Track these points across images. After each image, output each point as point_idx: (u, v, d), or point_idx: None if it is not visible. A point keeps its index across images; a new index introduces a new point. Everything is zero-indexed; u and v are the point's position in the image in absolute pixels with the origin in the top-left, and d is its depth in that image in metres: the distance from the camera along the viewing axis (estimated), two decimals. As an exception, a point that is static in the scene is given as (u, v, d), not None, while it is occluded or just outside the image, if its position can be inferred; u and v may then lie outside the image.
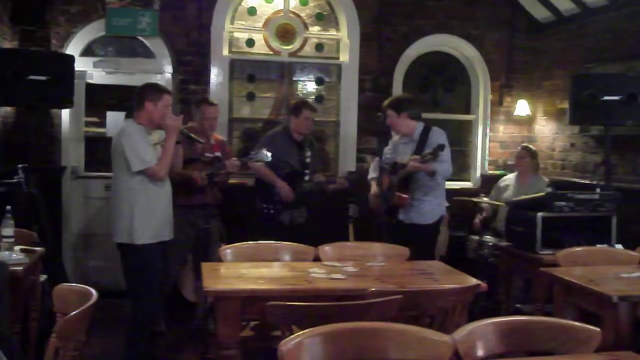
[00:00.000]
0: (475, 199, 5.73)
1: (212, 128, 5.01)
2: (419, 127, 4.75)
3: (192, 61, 6.24)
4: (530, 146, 5.95)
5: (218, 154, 4.94)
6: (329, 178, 5.59)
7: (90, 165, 6.26)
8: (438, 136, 4.66)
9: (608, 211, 4.34)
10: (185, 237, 4.72)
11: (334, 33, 6.67)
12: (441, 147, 4.33)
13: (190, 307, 5.17)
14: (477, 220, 5.79)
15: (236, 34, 6.48)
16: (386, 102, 4.86)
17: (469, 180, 7.00)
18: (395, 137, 5.02)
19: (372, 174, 5.22)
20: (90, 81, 6.16)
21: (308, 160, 5.18)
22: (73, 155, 6.17)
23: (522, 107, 6.81)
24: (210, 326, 4.34)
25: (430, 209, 4.72)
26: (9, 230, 3.46)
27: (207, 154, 4.83)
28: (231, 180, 6.19)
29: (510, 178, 5.90)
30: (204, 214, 4.89)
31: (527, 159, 5.75)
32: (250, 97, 6.56)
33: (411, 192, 4.66)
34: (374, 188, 5.07)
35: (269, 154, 4.67)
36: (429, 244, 4.72)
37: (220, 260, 3.73)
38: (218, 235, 5.08)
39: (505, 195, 5.69)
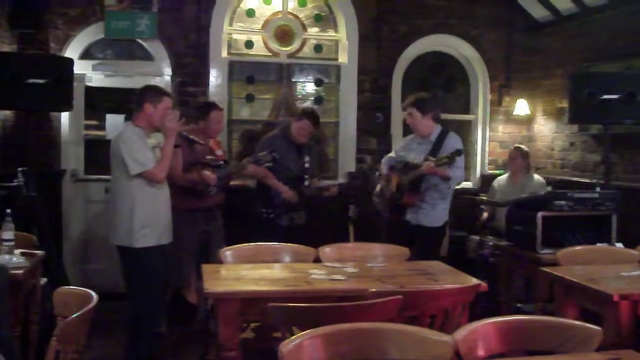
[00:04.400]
0: (477, 198, 5.73)
1: (220, 131, 5.16)
2: (437, 129, 4.72)
3: (191, 63, 6.23)
4: (522, 146, 5.97)
5: (220, 152, 4.99)
6: (323, 185, 5.57)
7: (90, 168, 6.24)
8: (455, 142, 4.62)
9: (608, 210, 4.34)
10: (193, 242, 4.74)
11: (333, 34, 6.67)
12: (459, 152, 4.32)
13: (191, 308, 5.15)
14: (482, 218, 5.74)
15: (235, 36, 6.48)
16: (409, 101, 4.75)
17: (468, 180, 6.98)
18: (409, 136, 4.99)
19: (382, 170, 5.07)
20: (89, 84, 6.15)
21: (307, 165, 5.24)
22: (73, 159, 6.16)
23: (521, 107, 6.80)
24: (211, 328, 4.34)
25: (438, 212, 4.69)
26: (9, 234, 3.46)
27: (208, 157, 4.83)
28: (232, 182, 6.20)
29: (503, 178, 5.93)
30: (207, 217, 4.89)
31: (518, 159, 5.77)
32: (250, 98, 6.55)
33: (421, 194, 4.63)
34: (379, 187, 4.99)
35: (276, 154, 4.77)
36: (434, 247, 4.69)
37: (220, 261, 3.73)
38: (221, 237, 5.07)
39: (498, 195, 5.70)
